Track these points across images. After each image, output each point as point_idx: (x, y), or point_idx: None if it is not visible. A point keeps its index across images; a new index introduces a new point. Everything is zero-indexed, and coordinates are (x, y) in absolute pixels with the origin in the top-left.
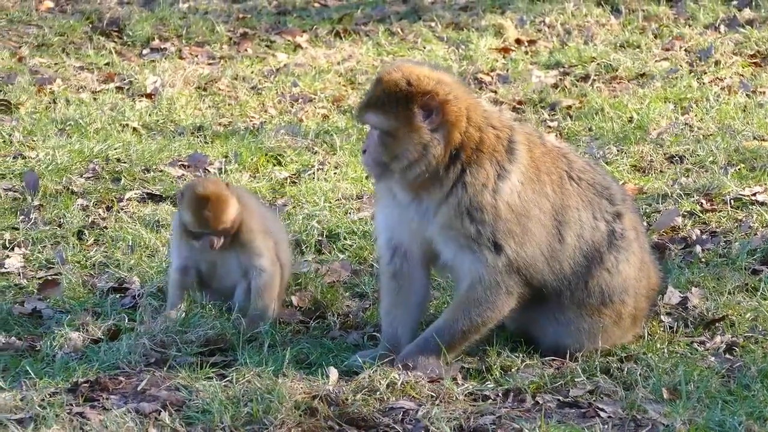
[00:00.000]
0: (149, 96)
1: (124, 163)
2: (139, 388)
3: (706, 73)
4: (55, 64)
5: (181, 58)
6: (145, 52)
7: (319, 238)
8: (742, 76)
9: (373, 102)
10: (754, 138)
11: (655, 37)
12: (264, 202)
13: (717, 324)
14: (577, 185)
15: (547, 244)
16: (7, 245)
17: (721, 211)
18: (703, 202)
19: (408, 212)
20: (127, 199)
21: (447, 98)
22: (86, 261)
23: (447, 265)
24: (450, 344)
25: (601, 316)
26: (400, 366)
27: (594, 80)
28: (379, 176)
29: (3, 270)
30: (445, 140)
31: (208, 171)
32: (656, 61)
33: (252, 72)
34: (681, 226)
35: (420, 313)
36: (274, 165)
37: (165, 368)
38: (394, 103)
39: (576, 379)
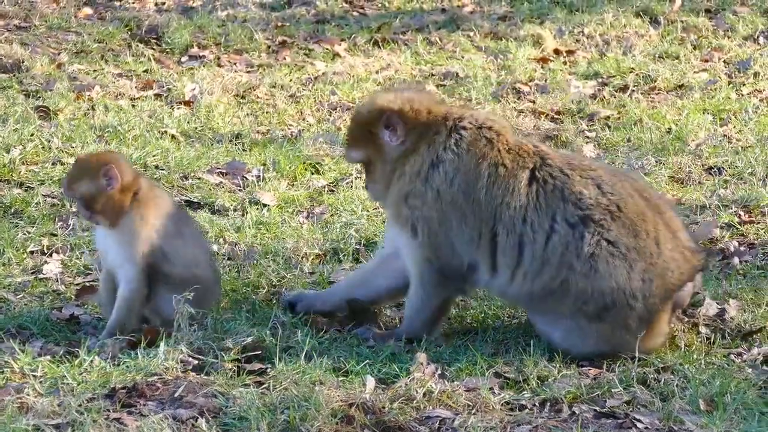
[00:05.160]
0: (187, 103)
1: (163, 170)
2: (176, 395)
3: (744, 84)
4: (94, 71)
5: (219, 65)
6: (183, 59)
7: (357, 247)
8: None
9: (347, 139)
10: None
11: (694, 48)
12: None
13: (754, 336)
14: (538, 186)
15: (469, 236)
16: (45, 251)
17: (759, 222)
18: (741, 213)
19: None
20: None
21: (403, 109)
22: None
23: (400, 255)
24: (417, 334)
25: (602, 320)
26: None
27: (633, 91)
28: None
29: (41, 276)
30: (407, 147)
31: (246, 179)
32: (695, 72)
33: (290, 80)
34: (719, 238)
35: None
36: (312, 173)
37: (202, 375)
38: (361, 134)
39: (613, 390)
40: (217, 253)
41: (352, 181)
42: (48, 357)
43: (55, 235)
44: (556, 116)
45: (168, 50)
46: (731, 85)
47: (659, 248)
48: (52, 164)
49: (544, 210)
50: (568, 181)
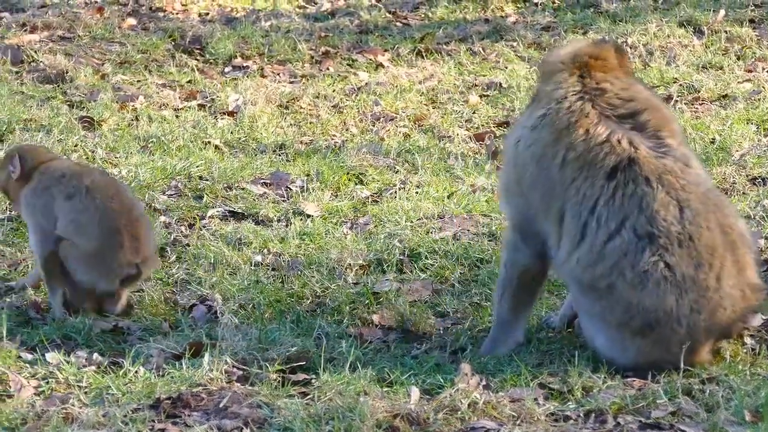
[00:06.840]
0: (231, 114)
1: (206, 180)
2: (221, 405)
3: None
4: (138, 81)
5: (262, 76)
6: (227, 70)
7: (401, 257)
8: None
9: None
10: None
11: (738, 58)
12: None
13: None
14: (617, 185)
15: (539, 202)
16: None
17: None
18: None
19: None
20: (209, 217)
21: (557, 63)
22: (168, 278)
23: None
24: (504, 323)
25: (644, 337)
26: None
27: (676, 101)
28: None
29: None
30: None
31: (290, 189)
32: (739, 82)
33: (333, 90)
34: (764, 249)
35: None
36: (356, 184)
37: (247, 385)
38: None
39: (658, 401)
40: (261, 264)
41: (395, 192)
42: (93, 367)
43: None
44: None
45: (211, 61)
46: None
47: (719, 284)
48: None
49: (617, 209)
50: (650, 193)
